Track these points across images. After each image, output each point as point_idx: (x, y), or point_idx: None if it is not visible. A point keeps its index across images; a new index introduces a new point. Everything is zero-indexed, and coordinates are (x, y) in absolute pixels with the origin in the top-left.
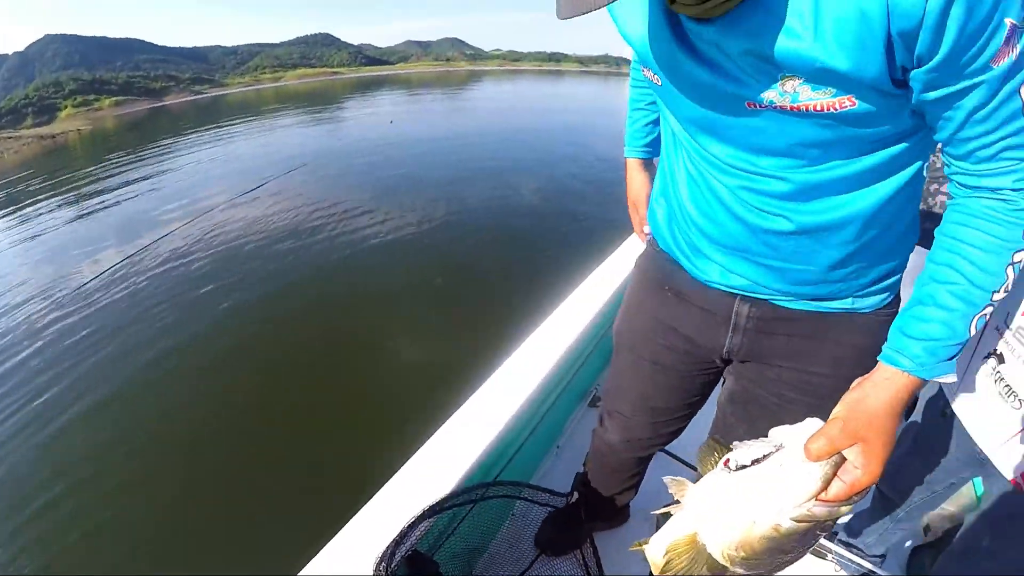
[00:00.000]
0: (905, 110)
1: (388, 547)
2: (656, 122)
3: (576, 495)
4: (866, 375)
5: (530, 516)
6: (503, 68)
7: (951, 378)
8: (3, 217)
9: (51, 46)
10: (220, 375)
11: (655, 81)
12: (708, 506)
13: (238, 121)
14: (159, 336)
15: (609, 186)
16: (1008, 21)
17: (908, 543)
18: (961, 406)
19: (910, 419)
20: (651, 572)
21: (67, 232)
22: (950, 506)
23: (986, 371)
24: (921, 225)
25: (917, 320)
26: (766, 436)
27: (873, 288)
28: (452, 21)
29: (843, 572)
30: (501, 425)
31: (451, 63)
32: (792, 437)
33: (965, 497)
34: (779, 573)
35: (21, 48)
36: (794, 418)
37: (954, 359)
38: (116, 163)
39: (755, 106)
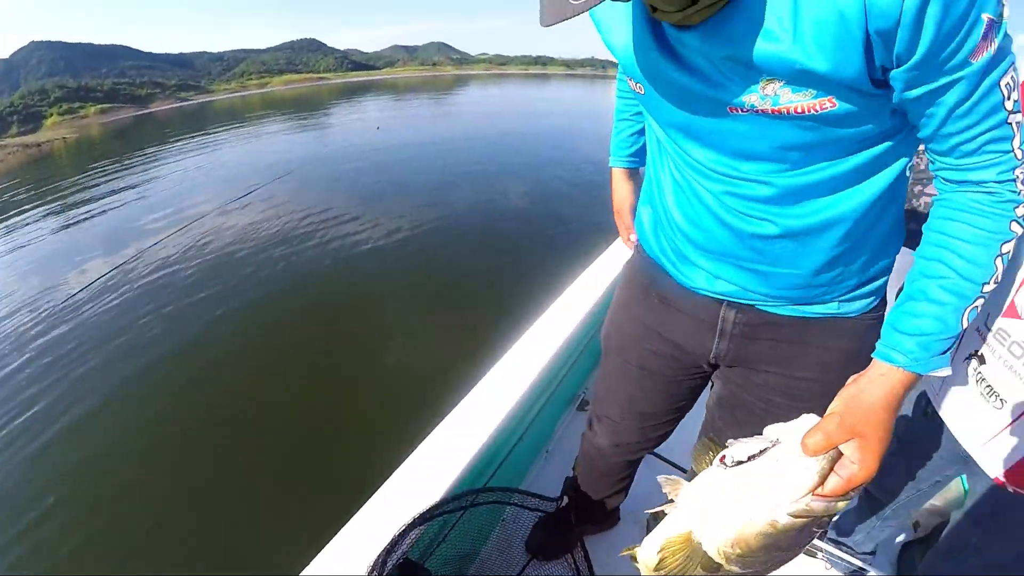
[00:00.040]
0: (886, 110)
1: (380, 555)
2: (641, 132)
3: (566, 499)
4: (862, 372)
5: (521, 521)
6: (489, 72)
7: (946, 371)
8: None
9: (36, 53)
10: (209, 383)
11: (639, 90)
12: (703, 504)
13: (224, 128)
14: (149, 345)
15: (596, 189)
16: (985, 16)
17: (898, 539)
18: (944, 406)
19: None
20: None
21: (54, 242)
22: (938, 502)
23: (968, 372)
24: (907, 226)
25: (909, 316)
26: (760, 435)
27: (859, 292)
28: (439, 25)
29: (834, 570)
30: (490, 430)
31: (437, 68)
32: (788, 433)
33: (953, 492)
34: (772, 573)
35: (6, 55)
36: (782, 423)
37: (948, 353)
38: (102, 172)
39: (737, 110)
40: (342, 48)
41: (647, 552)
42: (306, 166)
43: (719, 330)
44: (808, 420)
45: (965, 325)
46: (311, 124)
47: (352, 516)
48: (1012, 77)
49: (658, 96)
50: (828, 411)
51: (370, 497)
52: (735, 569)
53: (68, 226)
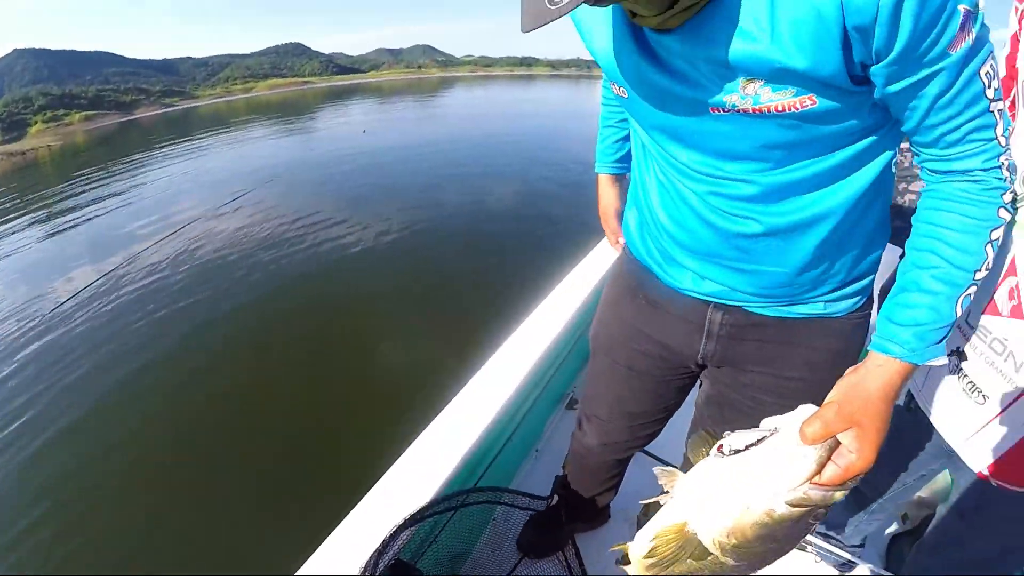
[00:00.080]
0: (867, 105)
1: (371, 557)
2: (626, 139)
3: (556, 498)
4: (859, 363)
5: (512, 520)
6: (475, 74)
7: (942, 360)
8: None
9: (20, 61)
10: (199, 387)
11: (622, 94)
12: (700, 494)
13: (210, 134)
14: (139, 351)
15: (583, 188)
16: (962, 8)
17: (888, 531)
18: (927, 402)
19: None
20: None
21: (40, 251)
22: (926, 494)
23: (950, 368)
24: (892, 223)
25: (903, 307)
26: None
27: (845, 291)
28: (424, 28)
29: (823, 563)
30: (480, 430)
31: (423, 70)
32: (786, 422)
33: (940, 484)
34: (764, 570)
35: None
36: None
37: (943, 341)
38: (87, 179)
39: (718, 110)
40: (327, 52)
41: (639, 546)
42: (293, 170)
43: (706, 331)
44: (806, 410)
45: (959, 313)
46: (297, 128)
47: (343, 518)
48: (991, 66)
49: (641, 99)
50: (826, 400)
51: (361, 499)
52: (730, 561)
53: (54, 234)
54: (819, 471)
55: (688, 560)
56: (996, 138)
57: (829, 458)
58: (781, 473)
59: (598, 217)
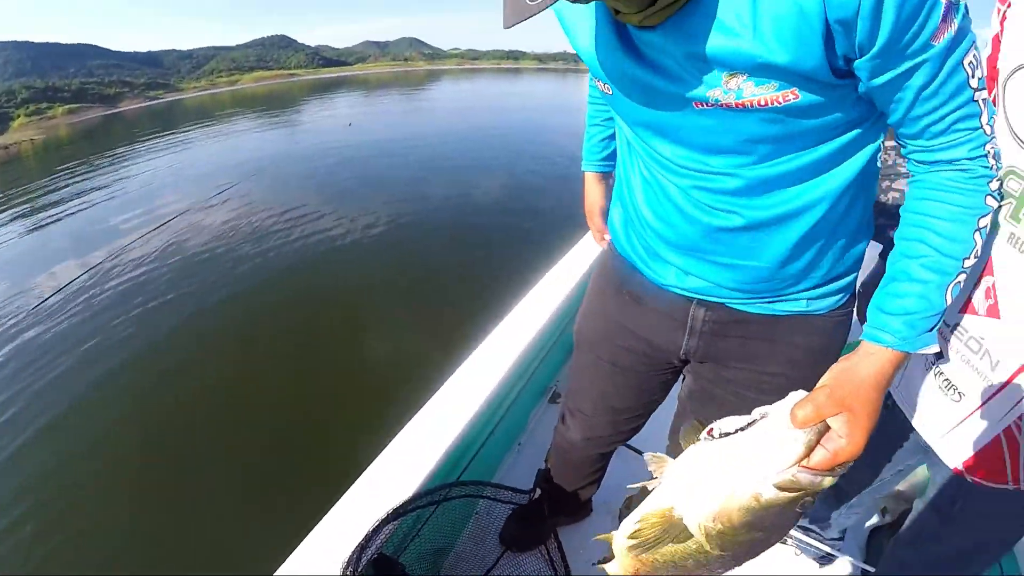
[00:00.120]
0: (850, 99)
1: (354, 551)
2: (612, 137)
3: (539, 491)
4: (852, 352)
5: (494, 513)
6: (462, 67)
7: (934, 348)
8: None
9: (2, 54)
10: (183, 381)
11: (606, 91)
12: (688, 480)
13: (194, 127)
14: (123, 345)
15: (569, 182)
16: None
17: (868, 523)
18: (904, 399)
19: None
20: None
21: (22, 245)
22: (904, 487)
23: (926, 366)
24: (875, 220)
25: (893, 296)
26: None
27: (828, 288)
28: (410, 21)
29: (803, 556)
30: (463, 424)
31: (409, 63)
32: (777, 407)
33: (919, 478)
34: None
35: None
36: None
37: (934, 330)
38: (71, 173)
39: (702, 105)
40: (313, 44)
41: (623, 533)
42: (278, 164)
43: (689, 328)
44: (797, 395)
45: (949, 301)
46: (282, 121)
47: (325, 513)
48: (974, 55)
49: (624, 95)
50: (818, 384)
51: (343, 493)
52: (715, 551)
53: (37, 228)
54: (808, 454)
55: (670, 544)
56: (981, 127)
57: (818, 441)
58: (770, 456)
59: (582, 210)
